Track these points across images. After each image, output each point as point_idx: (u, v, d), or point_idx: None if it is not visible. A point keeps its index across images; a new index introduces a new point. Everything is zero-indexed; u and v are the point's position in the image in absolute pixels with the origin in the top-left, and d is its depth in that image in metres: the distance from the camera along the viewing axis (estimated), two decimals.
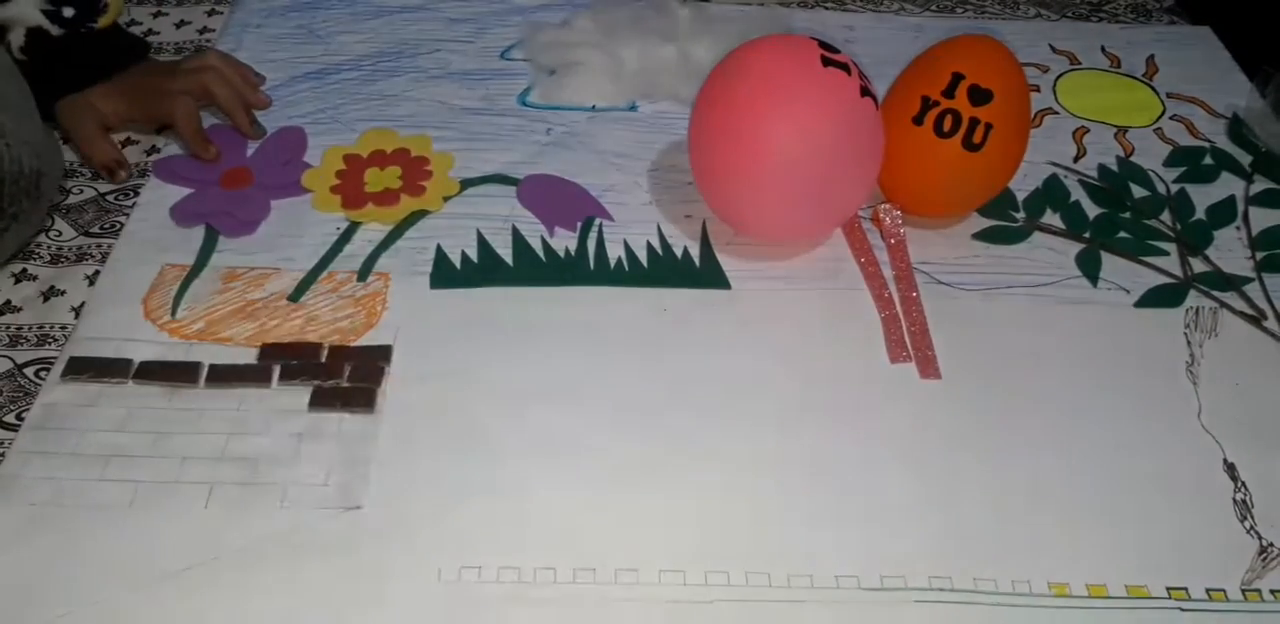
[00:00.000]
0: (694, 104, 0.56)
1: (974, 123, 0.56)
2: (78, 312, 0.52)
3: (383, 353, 0.51)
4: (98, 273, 0.54)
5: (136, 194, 0.59)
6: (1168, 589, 0.45)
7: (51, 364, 0.50)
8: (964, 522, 0.47)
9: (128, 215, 0.58)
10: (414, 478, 0.46)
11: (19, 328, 0.52)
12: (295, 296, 0.53)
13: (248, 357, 0.50)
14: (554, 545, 0.44)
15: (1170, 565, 0.45)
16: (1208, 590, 0.45)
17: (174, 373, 0.49)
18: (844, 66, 0.53)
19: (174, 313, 0.52)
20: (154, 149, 0.62)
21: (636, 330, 0.54)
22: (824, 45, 0.54)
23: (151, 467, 0.46)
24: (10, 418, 0.47)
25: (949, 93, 0.56)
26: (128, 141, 0.63)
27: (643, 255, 0.58)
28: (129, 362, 0.49)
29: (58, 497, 0.44)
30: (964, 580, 0.44)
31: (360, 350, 0.51)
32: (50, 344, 0.51)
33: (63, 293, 0.53)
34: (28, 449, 0.46)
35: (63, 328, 0.52)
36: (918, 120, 0.57)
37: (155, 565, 0.42)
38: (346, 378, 0.49)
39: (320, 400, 0.48)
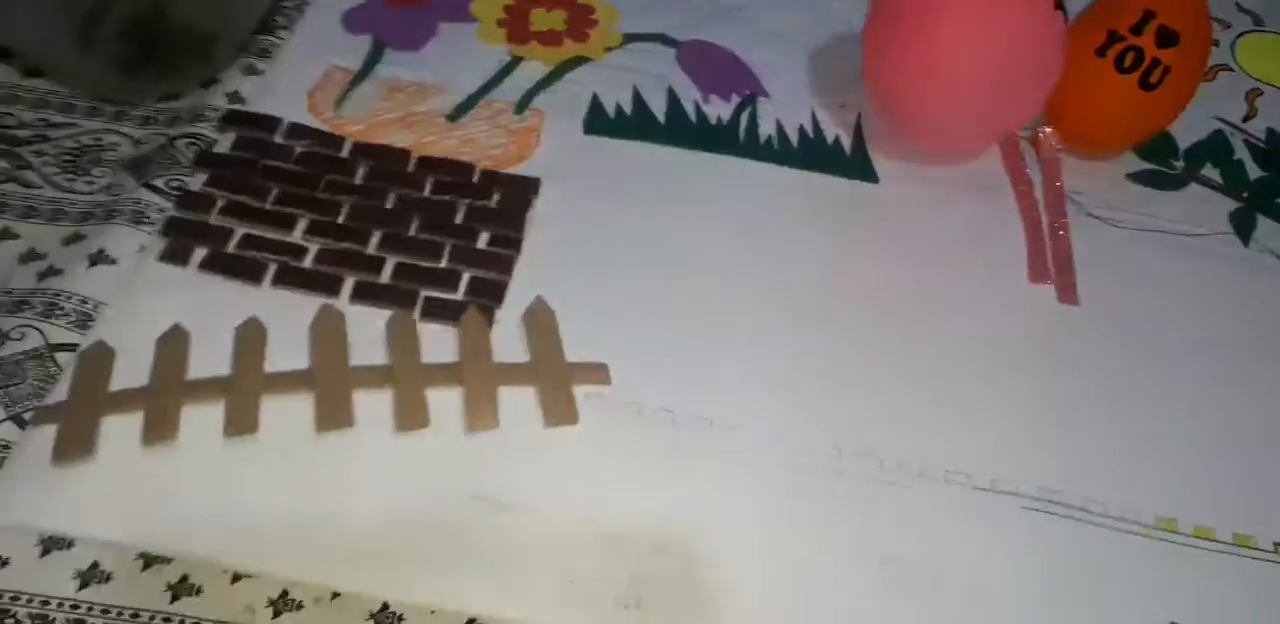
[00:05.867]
0: None
1: (1155, 63, 0.54)
2: (231, 97, 0.52)
3: (532, 185, 0.50)
4: (253, 65, 0.54)
5: None
6: (1275, 544, 0.44)
7: (200, 139, 0.49)
8: (1082, 444, 0.46)
9: (287, 16, 0.57)
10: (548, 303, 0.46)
11: (178, 110, 0.52)
12: (455, 117, 0.53)
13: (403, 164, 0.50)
14: (677, 392, 0.44)
15: None
16: None
17: (332, 165, 0.49)
18: None
19: (338, 111, 0.52)
20: None
21: (779, 210, 0.53)
22: None
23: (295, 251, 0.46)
24: (159, 183, 0.47)
25: (1137, 29, 0.54)
26: None
27: (794, 136, 0.57)
28: (292, 149, 0.49)
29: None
30: (1074, 498, 0.44)
31: (511, 178, 0.50)
32: (203, 122, 0.50)
33: (219, 81, 0.53)
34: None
35: (215, 110, 0.51)
36: (1100, 52, 0.55)
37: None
38: (495, 202, 0.49)
39: (471, 218, 0.48)
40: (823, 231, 0.53)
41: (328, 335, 0.43)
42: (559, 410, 0.42)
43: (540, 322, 0.45)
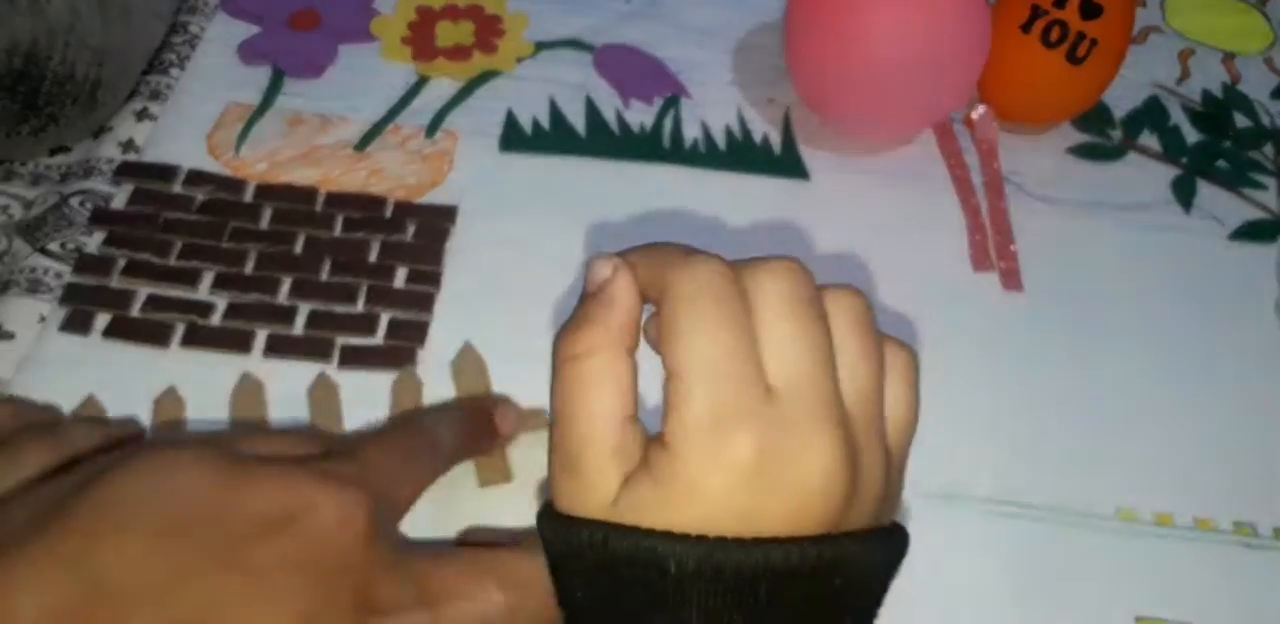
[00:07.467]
0: None
1: (1080, 36, 0.53)
2: (125, 146, 0.50)
3: (448, 214, 0.48)
4: (146, 109, 0.51)
5: (186, 30, 0.56)
6: (1235, 524, 0.44)
7: (95, 195, 0.47)
8: (1034, 437, 0.45)
9: (176, 52, 0.54)
10: (473, 342, 0.45)
11: (69, 165, 0.49)
12: (361, 146, 0.51)
13: (310, 203, 0.48)
14: None
15: (1240, 502, 0.44)
16: (1275, 529, 0.44)
17: (235, 211, 0.47)
18: None
19: (238, 151, 0.49)
20: None
21: (708, 215, 0.52)
22: None
23: (202, 309, 0.44)
24: (54, 246, 0.45)
25: (1060, 3, 0.53)
26: None
27: (720, 138, 0.56)
28: (192, 198, 0.47)
29: None
30: (1029, 496, 0.43)
31: (426, 208, 0.48)
32: (97, 176, 0.48)
33: (110, 129, 0.50)
34: None
35: (109, 161, 0.49)
36: (1025, 28, 0.54)
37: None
38: (411, 236, 0.47)
39: (386, 255, 0.46)
40: (756, 235, 0.51)
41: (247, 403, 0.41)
42: (492, 467, 0.40)
43: (470, 370, 0.43)
